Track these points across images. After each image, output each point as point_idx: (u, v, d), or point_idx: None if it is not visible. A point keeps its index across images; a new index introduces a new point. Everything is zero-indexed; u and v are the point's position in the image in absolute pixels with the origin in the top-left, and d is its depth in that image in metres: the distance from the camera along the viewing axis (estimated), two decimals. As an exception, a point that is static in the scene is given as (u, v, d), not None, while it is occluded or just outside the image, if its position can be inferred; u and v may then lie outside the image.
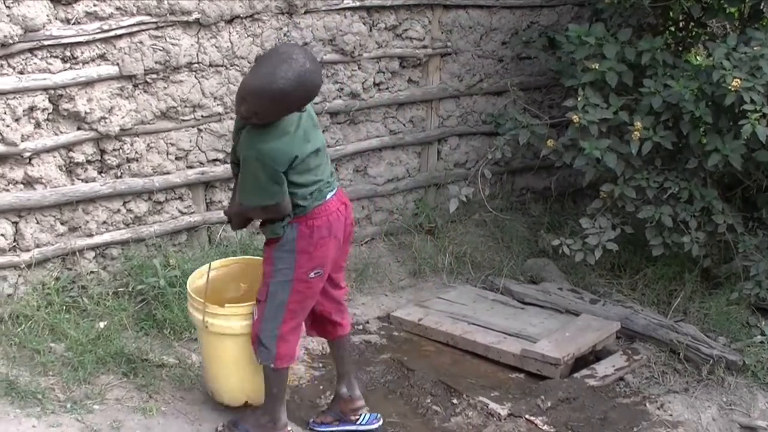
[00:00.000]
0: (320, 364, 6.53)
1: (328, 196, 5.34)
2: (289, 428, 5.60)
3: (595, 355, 7.12)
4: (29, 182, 6.25)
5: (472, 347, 7.01)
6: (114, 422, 5.51)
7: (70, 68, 6.24)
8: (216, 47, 6.79)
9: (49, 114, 6.24)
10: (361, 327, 7.15)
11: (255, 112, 4.93)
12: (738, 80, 6.60)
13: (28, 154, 6.17)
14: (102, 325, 6.16)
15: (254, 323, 5.43)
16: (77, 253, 6.50)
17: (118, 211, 6.66)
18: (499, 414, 6.17)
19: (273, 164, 5.00)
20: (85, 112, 6.29)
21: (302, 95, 4.94)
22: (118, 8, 6.33)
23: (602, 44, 7.47)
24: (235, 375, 5.71)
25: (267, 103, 4.88)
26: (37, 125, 6.20)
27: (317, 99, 7.24)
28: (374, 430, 5.85)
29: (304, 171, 5.16)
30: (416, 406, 6.21)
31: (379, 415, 5.91)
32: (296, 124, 5.10)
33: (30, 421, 5.43)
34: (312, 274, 5.31)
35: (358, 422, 5.83)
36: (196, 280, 5.77)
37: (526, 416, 6.17)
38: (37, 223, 6.33)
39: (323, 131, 7.23)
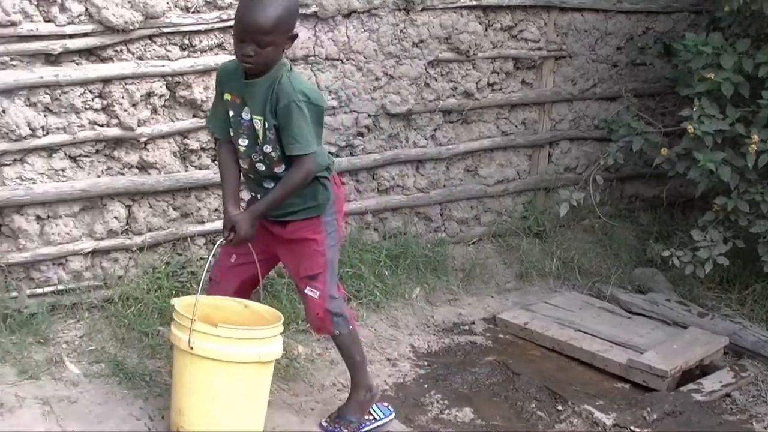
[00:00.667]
0: (425, 362, 6.45)
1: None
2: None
3: (702, 369, 6.92)
4: (144, 167, 6.26)
5: (578, 354, 6.88)
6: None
7: (188, 56, 6.24)
8: (333, 41, 6.74)
9: (165, 100, 6.24)
10: (466, 327, 7.05)
11: (273, 42, 4.85)
12: None
13: (143, 139, 6.17)
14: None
15: (317, 301, 5.27)
16: (188, 239, 6.51)
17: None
18: (605, 424, 6.02)
19: (319, 103, 5.07)
20: (201, 100, 6.28)
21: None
22: (242, -2, 6.30)
23: (719, 54, 7.30)
24: (223, 412, 5.02)
25: (290, 26, 4.93)
26: (154, 111, 6.20)
27: (430, 96, 7.19)
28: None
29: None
30: (521, 410, 6.09)
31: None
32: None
33: (138, 403, 5.43)
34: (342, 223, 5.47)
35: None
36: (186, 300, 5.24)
37: (632, 427, 6.01)
38: (150, 207, 6.33)
39: (435, 129, 7.22)
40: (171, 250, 6.50)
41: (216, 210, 6.55)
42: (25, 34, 5.70)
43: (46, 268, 6.08)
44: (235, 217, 5.11)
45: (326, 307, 5.25)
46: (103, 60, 6.00)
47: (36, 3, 5.71)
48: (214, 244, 6.42)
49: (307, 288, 5.27)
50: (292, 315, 6.25)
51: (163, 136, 6.28)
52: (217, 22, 6.26)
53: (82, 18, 5.85)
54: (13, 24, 5.63)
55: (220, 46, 6.34)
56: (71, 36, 5.84)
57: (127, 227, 6.29)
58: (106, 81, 5.99)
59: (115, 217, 6.20)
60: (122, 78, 6.01)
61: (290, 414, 5.63)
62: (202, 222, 6.56)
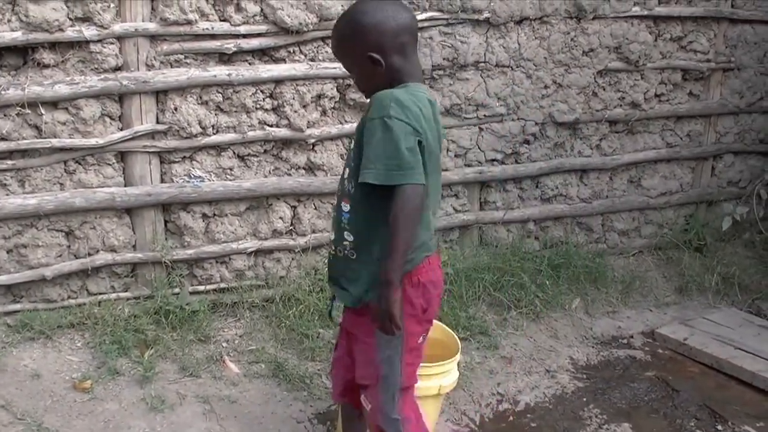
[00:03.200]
0: (584, 375, 6.12)
1: (434, 249, 4.02)
2: None
3: None
4: (311, 168, 6.11)
5: (738, 373, 6.43)
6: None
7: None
8: (503, 47, 6.45)
9: (335, 102, 6.06)
10: (625, 341, 6.70)
11: (350, 66, 3.99)
12: None
13: (312, 141, 6.02)
14: (371, 315, 5.88)
15: (370, 413, 4.11)
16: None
17: (395, 203, 6.37)
18: (765, 446, 5.63)
19: (416, 126, 3.67)
20: (371, 104, 6.04)
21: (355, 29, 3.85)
22: (411, 2, 6.08)
23: None
24: None
25: (356, 48, 3.87)
26: (323, 113, 6.04)
27: (598, 105, 6.87)
28: None
29: (427, 197, 3.79)
30: (679, 428, 5.71)
31: None
32: (431, 116, 3.84)
33: (297, 405, 5.25)
34: (420, 340, 4.04)
35: None
36: None
37: (793, 451, 5.61)
38: (315, 209, 6.18)
39: (601, 139, 6.88)
40: (333, 252, 6.24)
41: (380, 213, 6.29)
42: (201, 33, 5.58)
43: (209, 265, 5.96)
44: None
45: (378, 423, 4.09)
46: (276, 61, 5.84)
47: (212, 2, 5.59)
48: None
49: (362, 395, 4.16)
50: (452, 321, 5.98)
51: (331, 139, 6.10)
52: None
53: (257, 18, 5.70)
54: (189, 22, 5.51)
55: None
56: (245, 36, 5.70)
57: (291, 228, 6.14)
58: (278, 82, 5.83)
59: (281, 218, 6.05)
60: (294, 79, 5.85)
61: (450, 423, 5.38)
62: (367, 225, 6.28)
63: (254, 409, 5.18)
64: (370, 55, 3.82)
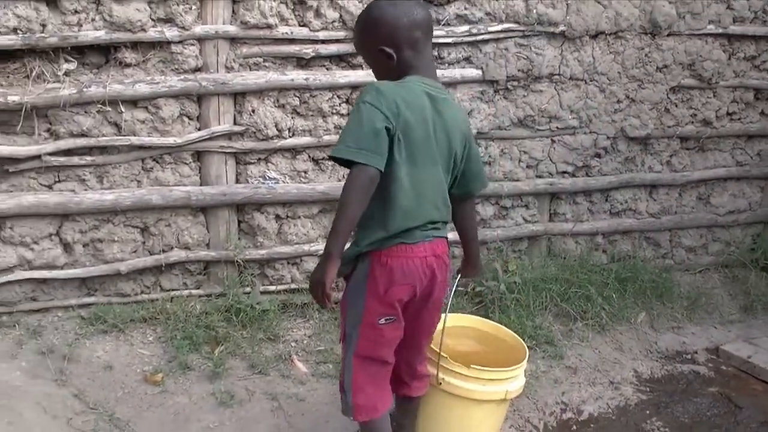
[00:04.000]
0: (647, 388, 6.01)
1: (418, 240, 4.01)
2: None
3: None
4: (384, 174, 6.01)
5: (801, 392, 6.33)
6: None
7: (437, 67, 5.92)
8: (578, 60, 6.36)
9: (409, 109, 5.98)
10: (689, 356, 6.57)
11: (366, 60, 4.10)
12: None
13: (386, 147, 5.93)
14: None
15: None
16: (422, 248, 6.21)
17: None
18: (827, 467, 5.49)
19: (386, 111, 3.72)
20: (445, 111, 5.99)
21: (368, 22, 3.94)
22: (487, 13, 6.02)
23: None
24: None
25: (368, 41, 3.97)
26: (399, 118, 5.96)
27: (669, 122, 6.77)
28: None
29: (399, 191, 3.85)
30: (741, 445, 5.63)
31: None
32: (420, 110, 3.84)
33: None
34: (383, 320, 4.04)
35: None
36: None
37: None
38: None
39: (671, 155, 6.77)
40: (404, 258, 6.19)
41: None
42: (280, 37, 5.57)
43: (281, 266, 5.93)
44: None
45: (341, 378, 4.23)
46: (353, 66, 5.81)
47: (292, 7, 5.57)
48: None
49: None
50: (518, 331, 5.91)
51: (409, 146, 6.01)
52: (467, 36, 5.98)
53: (336, 24, 5.68)
54: (269, 27, 5.50)
55: (467, 59, 6.06)
56: (323, 41, 5.69)
57: (362, 231, 6.04)
58: (354, 87, 5.80)
59: (352, 222, 5.96)
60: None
61: (514, 430, 5.30)
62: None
63: (322, 408, 5.14)
64: (383, 49, 3.92)
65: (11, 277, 5.50)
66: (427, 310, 4.19)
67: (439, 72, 5.84)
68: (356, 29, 4.04)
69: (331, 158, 3.75)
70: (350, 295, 4.09)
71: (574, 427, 5.47)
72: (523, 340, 5.57)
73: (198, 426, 4.89)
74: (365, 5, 5.42)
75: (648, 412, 5.75)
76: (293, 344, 5.64)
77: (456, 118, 4.05)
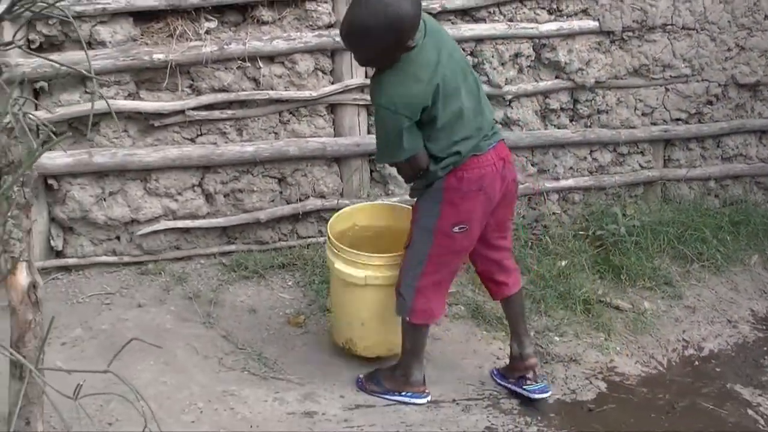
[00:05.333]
0: (764, 326, 5.91)
1: (485, 149, 4.38)
2: (424, 387, 4.75)
3: None
4: (507, 123, 6.03)
5: None
6: (575, 355, 5.20)
7: (555, 20, 5.94)
8: (689, 11, 6.24)
9: (531, 61, 5.97)
10: None
11: (366, 56, 4.19)
12: None
13: (509, 97, 5.95)
14: (563, 263, 5.81)
15: (399, 271, 4.60)
16: (543, 194, 6.21)
17: (585, 158, 6.30)
18: None
19: (404, 112, 4.13)
20: (565, 63, 5.96)
21: (390, 24, 3.95)
22: (606, -35, 5.96)
23: None
24: (372, 328, 4.88)
25: (369, 41, 4.04)
26: (520, 71, 5.96)
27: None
28: (536, 400, 4.81)
29: (451, 121, 4.25)
30: None
31: (548, 386, 4.86)
32: (432, 71, 4.15)
33: (496, 344, 5.23)
34: (456, 229, 4.38)
35: (525, 388, 4.79)
36: (338, 224, 5.03)
37: None
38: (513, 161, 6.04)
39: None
40: (526, 204, 6.22)
41: (570, 168, 6.23)
42: (408, -8, 5.51)
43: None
44: None
45: (398, 280, 4.58)
46: (476, 20, 5.79)
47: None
48: (566, 201, 6.18)
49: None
50: (639, 272, 5.87)
51: (527, 95, 6.01)
52: (584, -13, 5.91)
53: (460, -21, 5.63)
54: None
55: (584, 11, 5.99)
56: (449, -5, 5.64)
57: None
58: (479, 40, 5.78)
59: (485, 169, 5.95)
60: (493, 38, 5.79)
61: (640, 366, 5.29)
62: (557, 179, 6.24)
63: (457, 347, 5.16)
64: (409, 45, 4.07)
65: (157, 226, 5.58)
66: (502, 208, 4.56)
67: (557, 24, 5.91)
68: (376, 31, 3.98)
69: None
70: (425, 204, 4.44)
71: (696, 363, 5.44)
72: (643, 281, 5.66)
73: (345, 365, 4.93)
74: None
75: (766, 348, 5.69)
76: (426, 287, 5.64)
77: (447, 39, 4.38)
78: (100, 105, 5.16)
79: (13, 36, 4.75)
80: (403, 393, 4.71)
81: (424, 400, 4.73)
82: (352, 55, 4.34)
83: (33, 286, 3.67)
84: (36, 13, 3.22)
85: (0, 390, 3.78)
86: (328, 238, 4.78)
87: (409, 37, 4.04)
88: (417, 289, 4.48)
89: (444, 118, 4.24)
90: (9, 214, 3.29)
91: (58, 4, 3.18)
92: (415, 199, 4.55)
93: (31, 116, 3.44)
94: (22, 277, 3.63)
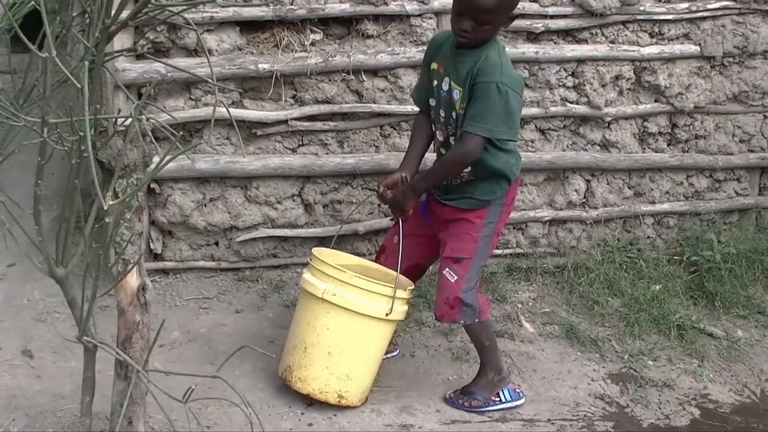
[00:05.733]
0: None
1: None
2: (515, 383, 4.71)
3: None
4: (605, 145, 5.86)
5: None
6: (668, 380, 5.00)
7: (656, 43, 5.77)
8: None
9: (631, 84, 5.80)
10: None
11: (493, 21, 4.15)
12: None
13: (608, 119, 5.79)
14: (657, 288, 5.63)
15: (452, 285, 4.38)
16: (639, 217, 6.05)
17: (681, 183, 6.10)
18: None
19: (519, 94, 4.27)
20: (665, 87, 5.78)
21: None
22: (697, -15, 5.80)
23: None
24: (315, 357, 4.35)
25: (512, 7, 4.23)
26: (620, 93, 5.78)
27: None
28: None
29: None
30: None
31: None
32: None
33: (591, 365, 5.05)
34: (503, 232, 4.79)
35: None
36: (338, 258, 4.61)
37: None
38: (608, 184, 5.93)
39: None
40: (621, 226, 6.05)
41: (666, 192, 6.05)
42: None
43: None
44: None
45: (459, 295, 4.38)
46: (579, 41, 5.64)
47: (518, -16, 5.42)
48: (661, 225, 6.02)
49: (447, 269, 4.43)
50: (733, 299, 5.69)
51: (626, 118, 5.84)
52: (686, 13, 5.73)
53: (565, 0, 5.52)
54: (503, 1, 5.35)
55: (686, 36, 5.81)
56: (552, 17, 5.52)
57: (584, 200, 5.92)
58: (580, 61, 5.63)
59: (575, 190, 5.84)
60: (595, 60, 5.64)
61: (733, 394, 5.08)
62: (653, 202, 6.05)
63: (551, 366, 5.00)
64: (513, 15, 4.30)
65: (255, 234, 5.49)
66: None
67: (659, 48, 5.76)
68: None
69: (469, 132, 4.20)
70: (494, 209, 4.47)
71: (791, 393, 5.24)
72: (736, 309, 5.53)
73: (437, 378, 4.80)
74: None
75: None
76: (519, 305, 5.51)
77: None
78: (203, 112, 5.17)
79: (136, 41, 4.72)
80: (504, 397, 4.61)
81: (522, 401, 4.64)
82: (471, 23, 4.15)
83: (142, 288, 3.62)
84: (158, 20, 3.15)
85: (99, 388, 3.72)
86: (311, 255, 4.47)
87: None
88: (476, 290, 4.49)
89: (516, 122, 4.37)
90: (123, 217, 3.21)
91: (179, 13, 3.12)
92: (468, 209, 4.46)
93: (155, 122, 3.38)
94: (132, 279, 3.59)
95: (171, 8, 2.90)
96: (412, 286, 4.53)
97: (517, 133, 4.44)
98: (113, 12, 2.89)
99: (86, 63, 2.79)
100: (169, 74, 5.06)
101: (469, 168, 4.34)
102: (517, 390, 4.68)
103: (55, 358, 4.77)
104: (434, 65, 4.43)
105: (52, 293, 5.31)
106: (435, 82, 4.41)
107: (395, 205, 4.43)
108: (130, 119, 3.09)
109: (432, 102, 4.47)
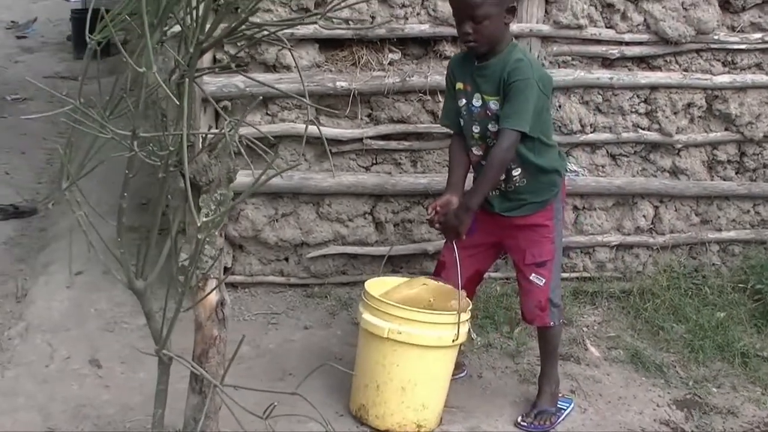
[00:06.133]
0: None
1: None
2: None
3: None
4: (674, 172, 5.74)
5: None
6: (732, 407, 4.82)
7: (728, 72, 5.64)
8: None
9: (702, 112, 5.68)
10: None
11: (487, 14, 4.06)
12: None
13: (679, 146, 5.67)
14: (721, 315, 5.48)
15: (542, 289, 4.37)
16: (705, 244, 5.91)
17: (748, 211, 5.97)
18: None
19: (548, 91, 4.28)
20: (735, 115, 5.65)
21: None
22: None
23: None
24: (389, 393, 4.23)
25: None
26: (691, 120, 5.67)
27: None
28: None
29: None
30: None
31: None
32: None
33: (656, 390, 4.89)
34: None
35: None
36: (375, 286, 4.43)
37: None
38: (676, 210, 5.81)
39: None
40: (687, 252, 5.92)
41: (733, 220, 5.91)
42: (588, 38, 5.35)
43: (574, 254, 5.70)
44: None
45: (549, 296, 4.39)
46: (652, 68, 5.53)
47: (600, 10, 5.35)
48: (726, 252, 5.89)
49: (533, 275, 4.38)
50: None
51: (696, 145, 5.72)
52: (760, 43, 5.60)
53: (640, 28, 5.41)
54: (579, 27, 5.29)
55: (758, 65, 5.68)
56: (627, 43, 5.42)
57: (651, 226, 5.81)
58: (653, 88, 5.52)
59: (644, 216, 5.74)
60: (668, 87, 5.53)
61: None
62: (719, 230, 5.92)
63: (617, 391, 4.86)
64: (513, 6, 4.17)
65: (326, 250, 5.41)
66: None
67: (731, 77, 5.66)
68: None
69: (505, 129, 4.11)
70: (557, 207, 4.43)
71: None
72: None
73: (504, 400, 4.67)
74: (669, 10, 5.20)
75: None
76: (585, 329, 5.38)
77: None
78: (279, 127, 5.13)
79: (232, 57, 4.66)
80: (562, 405, 4.60)
81: (573, 404, 4.67)
82: (470, 24, 4.11)
83: (221, 303, 3.53)
84: (253, 38, 3.07)
85: (168, 401, 3.63)
86: (363, 291, 4.33)
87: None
88: (560, 290, 4.58)
89: (551, 116, 4.53)
90: (205, 232, 3.12)
91: (273, 31, 3.04)
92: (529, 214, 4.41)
93: (247, 138, 3.31)
94: (212, 294, 3.50)
95: (267, 27, 2.81)
96: (471, 305, 4.39)
97: (551, 128, 4.49)
98: (207, 29, 2.81)
99: (178, 78, 2.71)
100: (247, 89, 4.99)
101: (520, 171, 4.29)
102: (564, 395, 4.68)
103: (123, 368, 4.71)
104: (459, 85, 4.34)
105: (120, 303, 5.29)
106: (464, 101, 4.32)
107: (449, 228, 4.27)
108: (220, 134, 3.01)
109: (462, 122, 4.38)
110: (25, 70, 11.21)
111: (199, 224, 2.33)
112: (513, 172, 4.28)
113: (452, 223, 4.22)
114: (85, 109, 2.83)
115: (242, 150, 3.06)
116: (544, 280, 4.37)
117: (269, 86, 3.95)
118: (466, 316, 4.24)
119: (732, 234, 5.91)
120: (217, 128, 4.92)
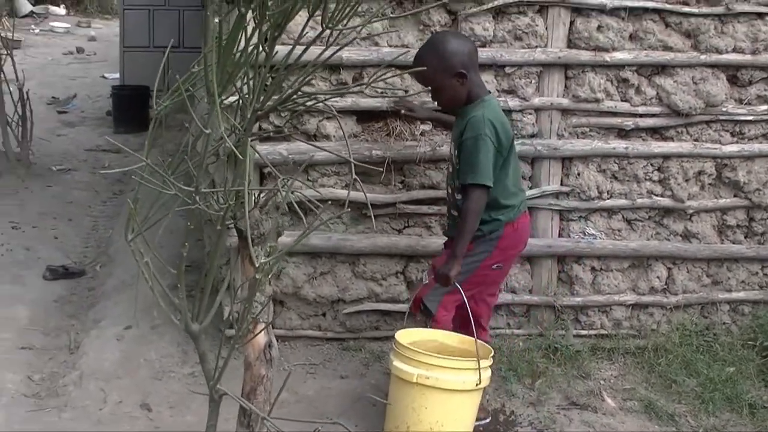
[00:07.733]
0: None
1: (524, 210, 4.91)
2: None
3: None
4: (686, 236, 5.96)
5: None
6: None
7: (737, 142, 5.87)
8: None
9: (712, 179, 5.91)
10: None
11: (437, 85, 4.67)
12: None
13: (690, 211, 5.90)
14: (731, 370, 5.67)
15: (422, 288, 4.83)
16: (716, 304, 6.11)
17: (756, 273, 6.14)
18: None
19: (501, 133, 4.61)
20: (744, 183, 5.88)
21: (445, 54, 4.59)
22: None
23: None
24: None
25: (444, 69, 4.59)
26: (702, 187, 5.90)
27: None
28: None
29: (515, 170, 4.83)
30: None
31: None
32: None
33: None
34: (494, 266, 4.83)
35: None
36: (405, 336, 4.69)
37: None
38: (688, 272, 6.00)
39: None
40: (699, 311, 6.10)
41: (742, 281, 6.11)
42: (605, 110, 5.62)
43: (593, 313, 5.89)
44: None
45: (421, 295, 4.82)
46: (665, 138, 5.77)
47: (617, 85, 5.61)
48: (736, 312, 6.07)
49: (425, 273, 4.97)
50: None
51: (707, 211, 5.93)
52: (766, 114, 5.84)
53: (653, 101, 5.68)
54: (596, 101, 5.57)
55: (765, 135, 5.92)
56: (641, 115, 5.68)
57: (665, 287, 5.99)
58: (666, 157, 5.76)
59: (657, 277, 5.94)
60: (680, 156, 5.77)
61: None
62: (729, 291, 6.09)
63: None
64: (461, 72, 4.58)
65: (360, 307, 5.66)
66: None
67: (739, 146, 5.86)
68: (432, 60, 4.52)
69: (467, 185, 4.58)
70: (482, 245, 4.75)
71: None
72: None
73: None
74: (680, 85, 5.44)
75: None
76: (602, 382, 5.56)
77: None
78: (320, 192, 5.36)
79: (282, 125, 4.97)
80: None
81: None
82: (429, 91, 4.90)
83: (269, 345, 3.80)
84: (303, 107, 3.37)
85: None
86: (394, 340, 4.61)
87: (464, 67, 4.61)
88: (441, 303, 4.77)
89: (511, 164, 4.72)
90: (261, 281, 3.41)
91: (322, 99, 3.34)
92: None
93: (301, 195, 3.59)
94: (261, 336, 3.76)
95: (318, 96, 3.11)
96: (492, 351, 4.67)
97: (514, 185, 4.84)
98: (262, 98, 3.12)
99: (235, 141, 3.01)
100: (289, 156, 5.29)
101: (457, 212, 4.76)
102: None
103: (172, 412, 4.97)
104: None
105: (167, 354, 5.55)
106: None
107: (441, 278, 4.64)
108: (274, 191, 3.30)
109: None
110: (68, 143, 11.57)
111: (257, 264, 2.61)
112: (454, 210, 4.85)
113: (441, 272, 4.61)
114: (153, 166, 3.14)
115: (295, 206, 3.32)
116: (426, 281, 4.84)
117: (319, 147, 4.28)
118: (487, 362, 4.51)
119: (741, 294, 6.10)
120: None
